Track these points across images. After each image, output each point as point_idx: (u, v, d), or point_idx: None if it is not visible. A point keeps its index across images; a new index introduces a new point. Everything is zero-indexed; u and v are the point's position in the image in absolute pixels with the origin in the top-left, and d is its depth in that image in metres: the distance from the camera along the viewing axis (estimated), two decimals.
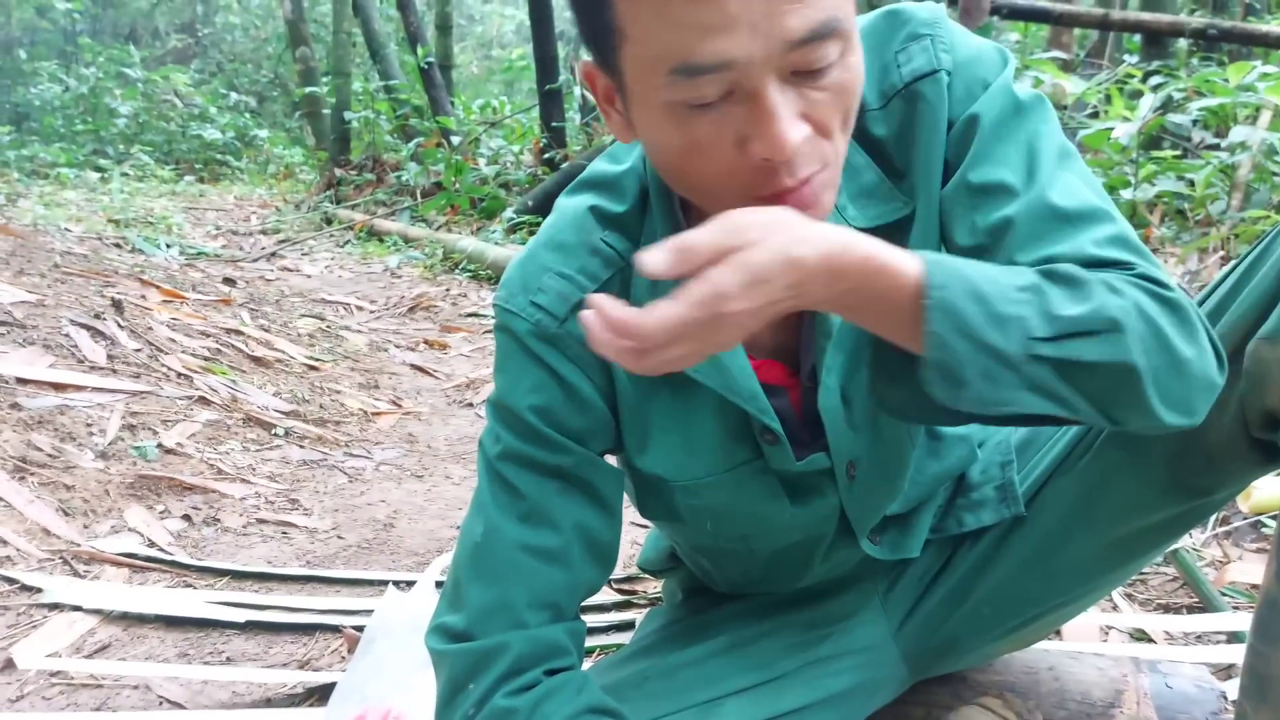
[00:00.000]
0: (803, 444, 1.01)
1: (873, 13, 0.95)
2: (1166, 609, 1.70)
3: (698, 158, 0.80)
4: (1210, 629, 1.57)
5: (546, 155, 7.75)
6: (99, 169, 11.10)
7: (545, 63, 7.82)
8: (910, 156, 0.94)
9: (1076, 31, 6.28)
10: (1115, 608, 1.68)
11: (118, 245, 5.75)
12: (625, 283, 0.97)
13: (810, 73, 0.75)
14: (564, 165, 7.20)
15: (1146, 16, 5.81)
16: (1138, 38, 5.73)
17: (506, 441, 0.98)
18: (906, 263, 0.75)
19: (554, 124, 7.82)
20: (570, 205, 1.00)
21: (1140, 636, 1.59)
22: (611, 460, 1.05)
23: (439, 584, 1.67)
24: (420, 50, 9.02)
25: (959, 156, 0.92)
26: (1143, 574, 1.79)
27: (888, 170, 0.95)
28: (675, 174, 0.84)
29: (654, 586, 1.84)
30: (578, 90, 8.56)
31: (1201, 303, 1.01)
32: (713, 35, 0.72)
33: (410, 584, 1.80)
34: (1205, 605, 1.65)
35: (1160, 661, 1.39)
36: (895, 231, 0.94)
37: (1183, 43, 5.66)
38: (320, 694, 1.49)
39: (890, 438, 1.05)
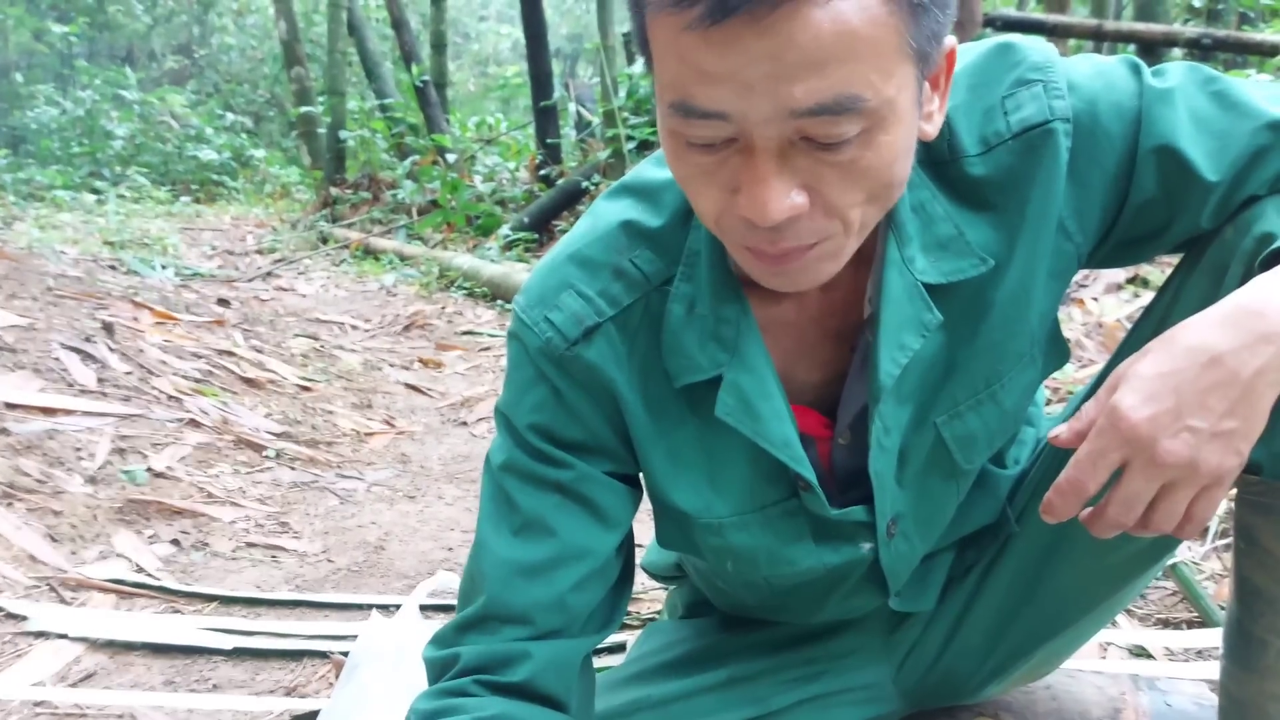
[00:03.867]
0: (830, 497, 0.98)
1: (983, 45, 0.90)
2: (1166, 624, 1.67)
3: (695, 190, 0.77)
4: (1210, 645, 1.54)
5: (542, 172, 7.75)
6: (95, 191, 11.09)
7: (540, 80, 7.83)
8: (1014, 207, 0.89)
9: (1071, 42, 6.28)
10: (1115, 623, 1.65)
11: (113, 267, 5.73)
12: (650, 308, 0.93)
13: (821, 145, 0.71)
14: (560, 182, 7.20)
15: (1140, 27, 5.81)
16: (1132, 48, 5.73)
17: (509, 454, 0.96)
18: None
19: (549, 141, 7.82)
20: (606, 214, 0.96)
21: (1139, 653, 1.57)
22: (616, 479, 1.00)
23: (424, 608, 1.64)
24: (415, 69, 9.04)
25: (1160, 184, 0.88)
26: None
27: (976, 208, 0.90)
28: (684, 192, 0.81)
29: (648, 607, 1.82)
30: (573, 107, 8.57)
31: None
32: (713, 83, 0.69)
33: (397, 608, 1.78)
34: (1205, 620, 1.63)
35: (1159, 679, 1.37)
36: (977, 288, 0.90)
37: (1177, 52, 5.65)
38: None
39: (938, 493, 1.01)
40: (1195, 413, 0.73)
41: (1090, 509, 0.80)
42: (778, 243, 0.75)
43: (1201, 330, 0.75)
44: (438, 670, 0.97)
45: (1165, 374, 0.74)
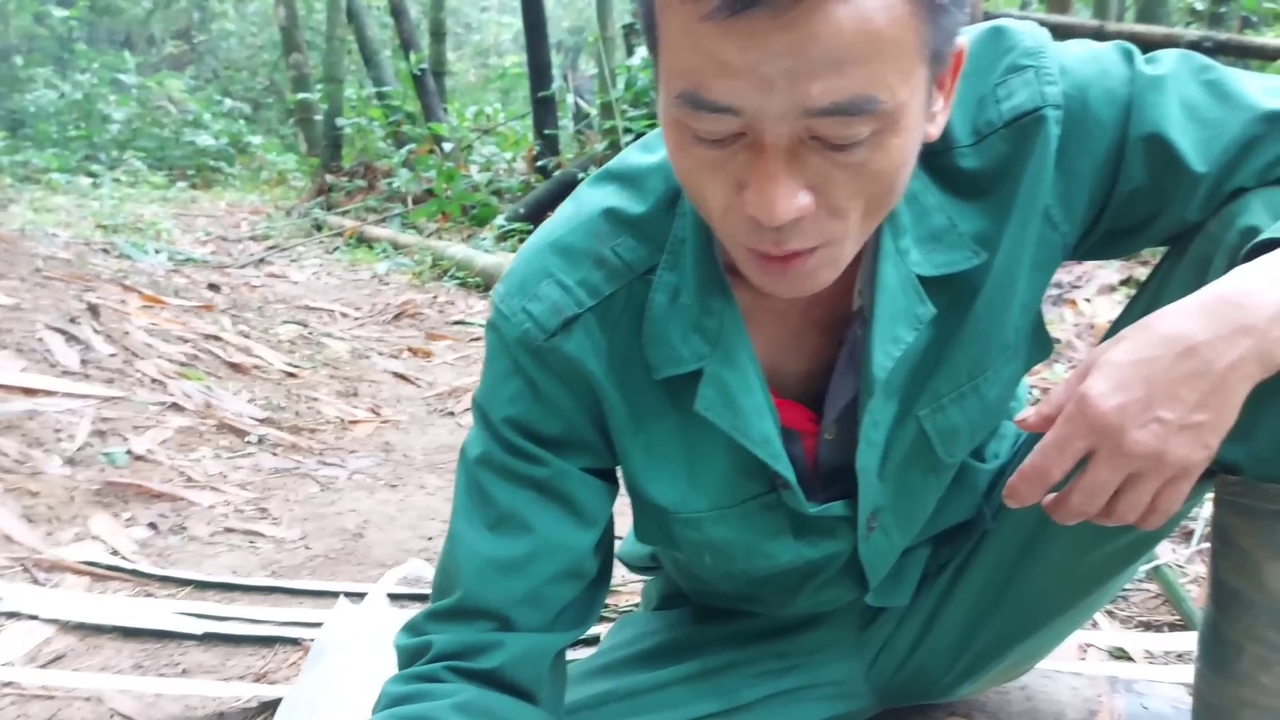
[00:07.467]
0: (812, 491, 0.96)
1: (975, 30, 0.88)
2: (1147, 626, 1.66)
3: (698, 184, 0.75)
4: (1191, 648, 1.53)
5: (539, 163, 7.72)
6: (91, 174, 11.06)
7: (539, 70, 7.80)
8: (1004, 194, 0.87)
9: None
10: (1095, 625, 1.64)
11: (105, 250, 5.71)
12: (632, 297, 0.90)
13: (832, 146, 0.68)
14: (557, 173, 7.17)
15: (1142, 28, 5.79)
16: None
17: (484, 447, 0.94)
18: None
19: (547, 132, 7.79)
20: (588, 201, 0.93)
21: (1120, 654, 1.55)
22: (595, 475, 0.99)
23: (393, 596, 1.62)
24: (414, 57, 9.00)
25: (1148, 173, 0.87)
26: (1124, 590, 1.75)
27: (968, 196, 0.88)
28: (682, 185, 0.79)
29: (626, 599, 1.80)
30: (571, 98, 8.54)
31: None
32: (728, 75, 0.66)
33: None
34: (1186, 623, 1.62)
35: (1137, 681, 1.36)
36: (965, 280, 0.89)
37: None
38: (275, 708, 1.45)
39: (919, 487, 1.00)
40: (1165, 403, 0.71)
41: (1054, 495, 0.79)
42: (782, 244, 0.73)
43: (1178, 319, 0.74)
44: (409, 656, 0.96)
45: (1138, 362, 0.73)
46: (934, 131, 0.78)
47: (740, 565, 1.03)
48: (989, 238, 0.88)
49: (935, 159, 0.87)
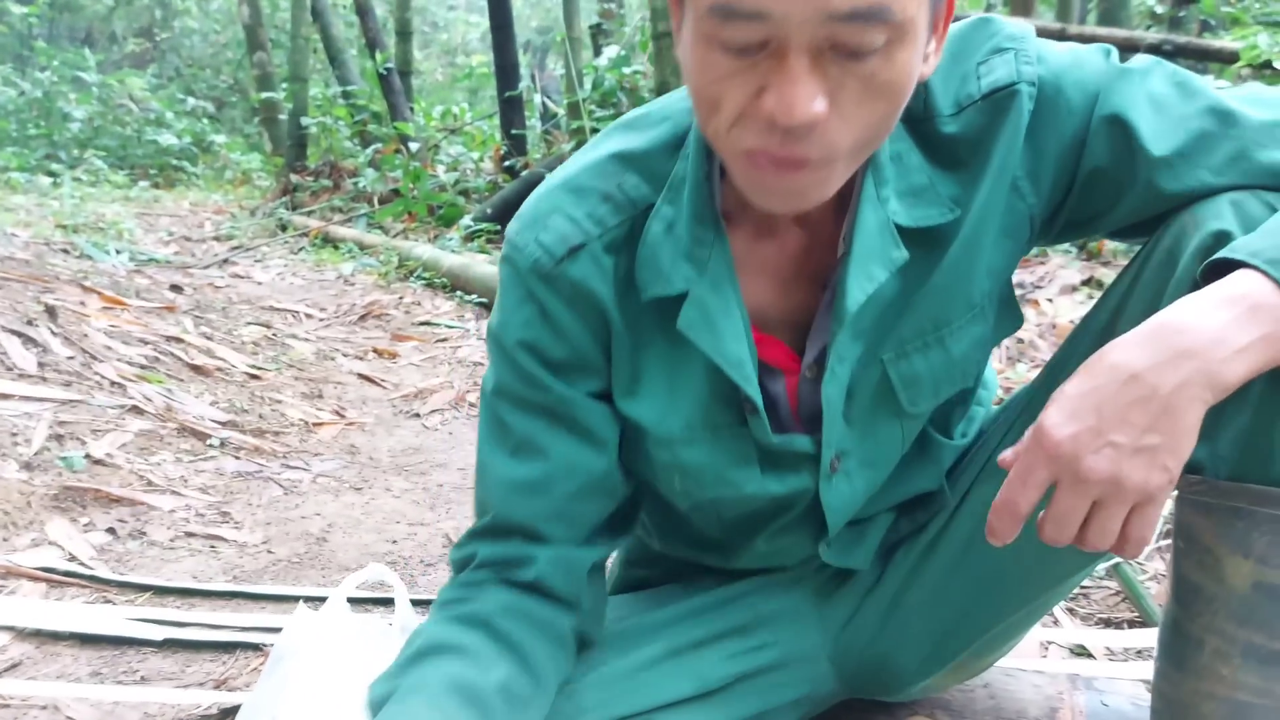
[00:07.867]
0: (788, 428, 1.02)
1: (964, 19, 0.95)
2: (1108, 623, 1.67)
3: (717, 95, 0.79)
4: (1150, 644, 1.54)
5: (507, 163, 7.68)
6: (51, 174, 10.88)
7: (506, 70, 7.77)
8: (978, 163, 0.94)
9: None
10: (1056, 622, 1.65)
11: (65, 251, 5.61)
12: (635, 230, 0.97)
13: (849, 53, 0.74)
14: (524, 173, 7.13)
15: (1103, 31, 5.85)
16: None
17: (499, 377, 1.02)
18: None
19: (514, 132, 7.76)
20: (598, 147, 1.02)
21: (1081, 652, 1.56)
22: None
23: (352, 601, 1.61)
24: (379, 56, 8.94)
25: (1109, 153, 0.92)
26: (1084, 588, 1.77)
27: (947, 165, 0.95)
28: (696, 105, 0.83)
29: None
30: (538, 98, 8.52)
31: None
32: None
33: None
34: (1145, 620, 1.63)
35: (1097, 678, 1.37)
36: (937, 236, 0.95)
37: (1139, 58, 5.67)
38: (235, 715, 1.43)
39: (883, 434, 1.04)
40: (1116, 429, 0.75)
41: (1042, 514, 0.82)
42: (789, 147, 0.77)
43: (1123, 349, 0.78)
44: (459, 565, 1.07)
45: (1088, 392, 0.77)
46: (927, 71, 0.84)
47: (708, 493, 1.07)
48: (962, 200, 0.94)
49: (920, 126, 0.94)
